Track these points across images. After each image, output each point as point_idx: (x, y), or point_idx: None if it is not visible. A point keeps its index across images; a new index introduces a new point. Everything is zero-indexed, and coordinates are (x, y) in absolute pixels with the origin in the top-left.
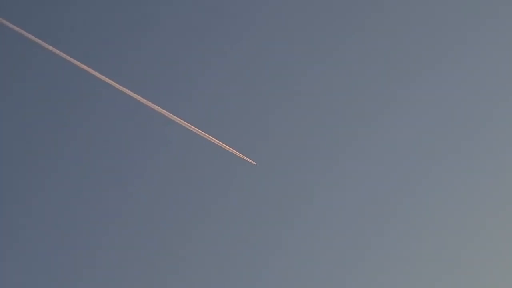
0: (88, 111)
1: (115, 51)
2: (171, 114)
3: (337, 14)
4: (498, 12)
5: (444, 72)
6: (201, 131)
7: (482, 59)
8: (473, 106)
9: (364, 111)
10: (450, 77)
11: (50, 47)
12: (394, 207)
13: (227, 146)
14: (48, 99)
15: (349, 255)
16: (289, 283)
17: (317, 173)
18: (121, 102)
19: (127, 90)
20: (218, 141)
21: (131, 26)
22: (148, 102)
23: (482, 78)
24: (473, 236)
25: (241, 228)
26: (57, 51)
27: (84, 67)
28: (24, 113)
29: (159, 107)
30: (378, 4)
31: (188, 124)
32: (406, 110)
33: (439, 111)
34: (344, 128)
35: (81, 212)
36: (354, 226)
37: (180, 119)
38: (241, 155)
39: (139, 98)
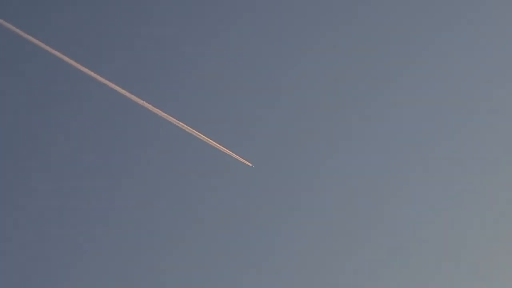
0: (79, 109)
1: (107, 49)
2: (164, 113)
3: (333, 11)
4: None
5: (443, 68)
6: (194, 131)
7: (483, 55)
8: (474, 102)
9: (361, 111)
10: (450, 73)
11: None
12: (391, 208)
13: (222, 147)
14: (39, 97)
15: (346, 257)
16: (284, 285)
17: (313, 175)
18: (113, 100)
19: (119, 88)
20: (212, 141)
21: (125, 24)
22: (140, 100)
23: (483, 73)
24: (475, 234)
25: (236, 231)
26: (45, 46)
27: (79, 66)
28: (17, 112)
29: (151, 105)
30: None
31: (181, 124)
32: (405, 111)
33: (438, 108)
34: (341, 128)
35: (72, 213)
36: (352, 228)
37: (173, 118)
38: (236, 156)
39: (131, 96)
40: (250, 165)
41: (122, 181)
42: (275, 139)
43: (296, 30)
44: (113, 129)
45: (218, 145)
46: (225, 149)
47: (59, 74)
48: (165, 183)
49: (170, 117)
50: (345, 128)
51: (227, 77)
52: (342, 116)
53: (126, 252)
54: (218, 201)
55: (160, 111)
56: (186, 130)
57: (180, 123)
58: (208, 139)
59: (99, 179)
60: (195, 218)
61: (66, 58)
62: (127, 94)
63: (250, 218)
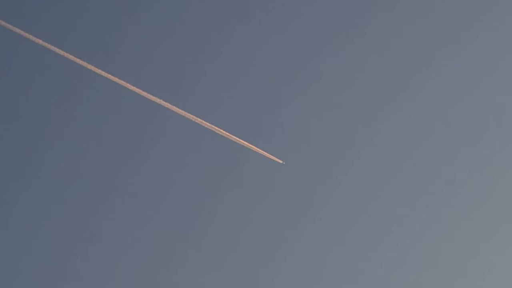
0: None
1: (121, 49)
2: (190, 114)
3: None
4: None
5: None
6: (221, 130)
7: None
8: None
9: (394, 105)
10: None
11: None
12: (425, 205)
13: (251, 145)
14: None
15: (378, 256)
16: (314, 284)
17: (346, 171)
18: (135, 102)
19: (140, 90)
20: (241, 140)
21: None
22: (165, 103)
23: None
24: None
25: (268, 229)
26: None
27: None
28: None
29: (179, 109)
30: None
31: (208, 124)
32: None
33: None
34: (374, 124)
35: (89, 212)
36: (385, 227)
37: (199, 119)
38: (266, 154)
39: (156, 99)
40: (281, 162)
41: (151, 184)
42: (306, 135)
43: (321, 25)
44: (140, 133)
45: (247, 143)
46: (255, 147)
47: (68, 73)
48: (195, 184)
49: (195, 117)
50: (381, 123)
51: (252, 76)
52: (377, 110)
53: (156, 253)
54: (249, 199)
55: (185, 112)
56: (213, 129)
57: (206, 122)
58: (236, 138)
59: (128, 181)
60: (226, 218)
61: (70, 56)
62: (152, 97)
63: (281, 217)
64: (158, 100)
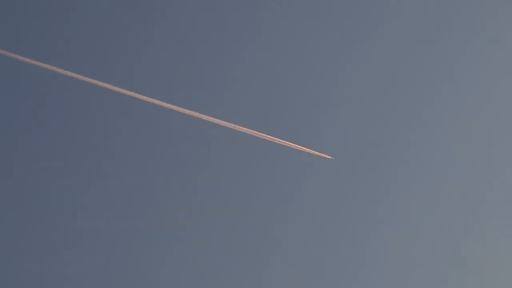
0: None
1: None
2: (230, 123)
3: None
4: None
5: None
6: (269, 136)
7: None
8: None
9: (443, 102)
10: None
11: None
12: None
13: (299, 146)
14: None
15: (432, 255)
16: (373, 281)
17: (399, 165)
18: (182, 119)
19: (186, 110)
20: (289, 143)
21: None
22: (206, 116)
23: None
24: None
25: (320, 227)
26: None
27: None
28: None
29: (228, 123)
30: None
31: (252, 131)
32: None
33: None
34: (424, 117)
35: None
36: (439, 224)
37: (245, 128)
38: (313, 152)
39: (204, 117)
40: (330, 157)
41: (204, 190)
42: (351, 129)
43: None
44: (196, 145)
45: (296, 145)
46: (303, 147)
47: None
48: (248, 190)
49: (236, 125)
50: (422, 119)
51: (293, 78)
52: (427, 107)
53: (212, 255)
54: (303, 198)
55: (222, 121)
56: (258, 135)
57: (248, 129)
58: (286, 142)
59: (176, 189)
60: (280, 218)
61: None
62: (204, 117)
63: (335, 214)
64: (216, 120)
